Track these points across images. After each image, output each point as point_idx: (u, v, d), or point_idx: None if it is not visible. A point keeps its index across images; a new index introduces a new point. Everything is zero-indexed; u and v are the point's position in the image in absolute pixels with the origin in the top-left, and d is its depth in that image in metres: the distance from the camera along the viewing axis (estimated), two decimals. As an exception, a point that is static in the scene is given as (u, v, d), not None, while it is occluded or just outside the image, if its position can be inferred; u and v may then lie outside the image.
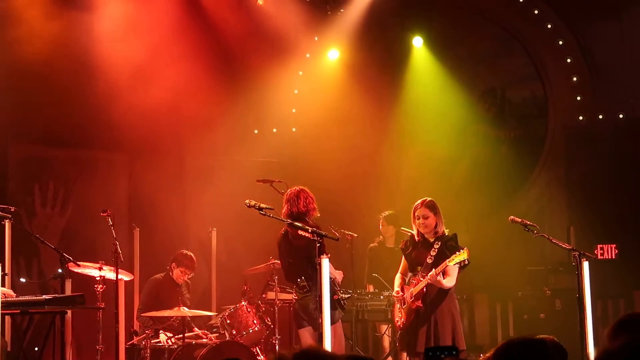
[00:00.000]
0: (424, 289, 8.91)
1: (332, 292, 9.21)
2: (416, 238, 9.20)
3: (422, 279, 8.91)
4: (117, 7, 12.18)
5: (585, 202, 13.71)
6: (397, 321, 9.19)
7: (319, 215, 9.48)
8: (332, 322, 9.18)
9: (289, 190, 9.63)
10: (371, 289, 11.76)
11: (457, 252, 8.80)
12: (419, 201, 9.15)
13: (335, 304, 9.26)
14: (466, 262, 8.83)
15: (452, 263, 8.77)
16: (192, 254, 11.12)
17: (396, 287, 9.27)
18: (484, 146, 14.66)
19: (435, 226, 9.07)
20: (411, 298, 8.97)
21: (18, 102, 11.57)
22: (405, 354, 9.24)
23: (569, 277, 11.02)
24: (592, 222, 13.25)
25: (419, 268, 9.05)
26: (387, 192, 13.67)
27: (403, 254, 9.36)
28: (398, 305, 9.21)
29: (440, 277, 8.79)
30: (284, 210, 9.43)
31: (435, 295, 8.95)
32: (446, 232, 9.12)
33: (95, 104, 11.93)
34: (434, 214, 9.07)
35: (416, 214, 9.11)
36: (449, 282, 8.90)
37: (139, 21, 12.26)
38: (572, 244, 10.50)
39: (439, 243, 9.01)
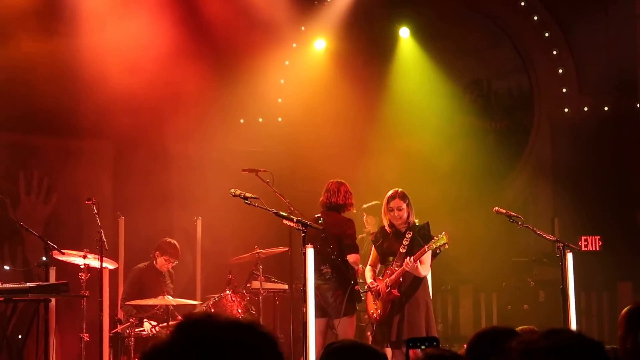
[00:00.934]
0: (400, 278, 8.94)
1: (354, 283, 9.29)
2: (387, 229, 9.22)
3: (396, 268, 8.93)
4: (103, -5, 12.15)
5: (569, 194, 13.75)
6: (373, 313, 9.21)
7: (355, 211, 9.53)
8: (350, 314, 9.30)
9: (330, 181, 9.76)
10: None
11: (437, 237, 8.81)
12: (391, 192, 9.17)
13: (355, 295, 9.37)
14: (446, 246, 8.86)
15: (432, 248, 8.79)
16: (175, 242, 11.11)
17: (369, 279, 9.29)
18: (469, 137, 14.68)
19: (408, 217, 9.11)
20: (387, 288, 8.98)
21: (3, 90, 11.52)
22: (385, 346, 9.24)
23: (553, 268, 11.06)
24: (577, 213, 13.31)
25: (391, 259, 9.08)
26: (373, 183, 13.66)
27: (373, 245, 9.41)
28: (372, 298, 9.23)
29: (418, 264, 8.81)
30: (322, 199, 9.66)
31: (409, 285, 8.99)
32: (416, 221, 9.14)
33: (81, 93, 11.89)
34: (407, 204, 9.11)
35: (390, 206, 9.13)
36: (424, 270, 8.95)
37: (125, 8, 12.22)
38: (557, 236, 10.53)
39: (411, 232, 9.04)
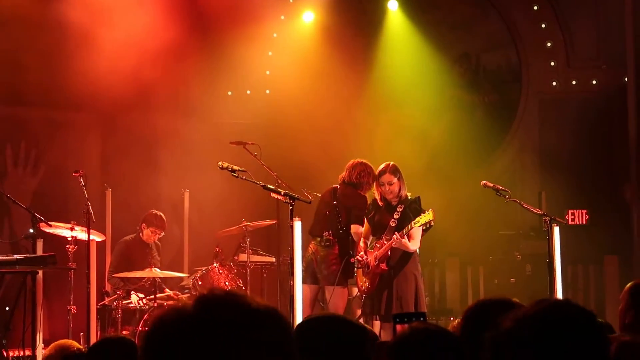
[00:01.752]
0: (388, 252, 8.96)
1: (351, 255, 9.42)
2: (379, 202, 9.24)
3: (385, 242, 8.95)
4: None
5: (557, 167, 13.77)
6: (362, 286, 9.25)
7: (374, 191, 9.59)
8: (342, 285, 9.50)
9: (353, 159, 9.92)
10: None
11: (422, 214, 8.83)
12: (382, 166, 9.18)
13: (349, 267, 9.49)
14: (431, 224, 8.88)
15: (418, 225, 8.80)
16: (161, 214, 11.11)
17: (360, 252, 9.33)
18: (458, 111, 14.67)
19: (399, 190, 9.11)
20: (375, 262, 9.01)
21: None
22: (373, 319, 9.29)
23: (539, 242, 11.08)
24: (564, 187, 13.32)
25: (382, 232, 9.10)
26: (362, 155, 13.64)
27: (366, 217, 9.42)
28: (361, 270, 9.27)
29: (405, 240, 8.83)
30: (342, 174, 9.84)
31: (398, 259, 9.01)
32: (409, 195, 9.15)
33: (69, 65, 11.84)
34: (398, 178, 9.11)
35: (381, 180, 9.14)
36: (413, 245, 8.95)
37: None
38: (544, 209, 10.56)
39: (402, 206, 9.05)
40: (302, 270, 9.09)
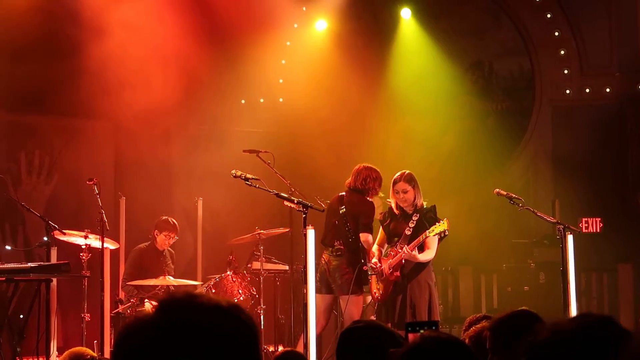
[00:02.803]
0: (403, 261, 8.96)
1: (364, 263, 9.45)
2: (395, 210, 9.24)
3: (400, 250, 8.95)
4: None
5: (570, 175, 13.74)
6: (375, 293, 9.24)
7: (381, 195, 9.57)
8: (357, 294, 9.48)
9: (359, 164, 9.85)
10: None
11: (437, 223, 8.83)
12: (397, 175, 9.18)
13: (362, 275, 9.50)
14: (446, 233, 8.88)
15: (432, 234, 8.81)
16: (171, 219, 11.13)
17: (374, 259, 9.32)
18: (470, 118, 14.66)
19: (414, 199, 9.11)
20: (389, 269, 9.01)
21: (4, 69, 11.52)
22: None
23: (553, 250, 11.07)
24: (577, 195, 13.30)
25: (397, 239, 9.09)
26: (374, 163, 13.64)
27: (381, 225, 9.43)
28: (375, 278, 9.27)
29: (415, 252, 8.84)
30: (348, 180, 9.75)
31: (412, 267, 9.01)
32: (424, 204, 9.16)
33: (82, 73, 11.87)
34: (413, 187, 9.10)
35: (395, 188, 9.15)
36: (428, 254, 8.96)
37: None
38: (557, 217, 10.53)
39: (418, 215, 9.05)
40: (317, 280, 9.12)
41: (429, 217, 9.03)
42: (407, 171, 9.21)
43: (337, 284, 9.51)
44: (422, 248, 8.95)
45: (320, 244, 9.64)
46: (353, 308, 9.45)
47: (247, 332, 2.16)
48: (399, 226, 9.15)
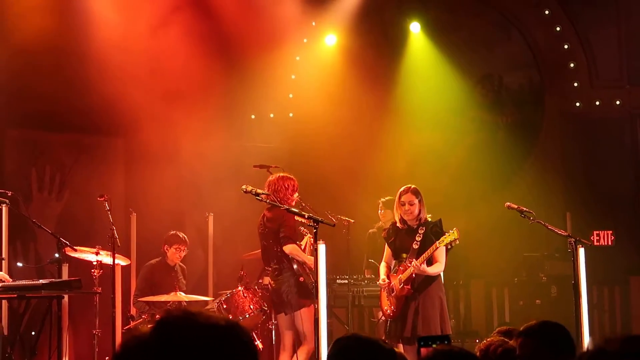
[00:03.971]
0: (413, 275, 8.95)
1: (298, 275, 9.37)
2: (399, 225, 9.23)
3: (409, 265, 8.94)
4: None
5: (581, 188, 13.72)
6: (387, 310, 9.21)
7: (293, 204, 9.50)
8: (305, 306, 9.37)
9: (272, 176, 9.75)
10: (369, 274, 11.77)
11: (447, 233, 8.83)
12: (404, 187, 9.20)
13: (302, 288, 9.44)
14: (456, 242, 8.86)
15: (443, 244, 8.81)
16: (179, 233, 11.17)
17: (382, 276, 9.30)
18: (480, 132, 14.65)
19: (419, 212, 9.12)
20: (400, 284, 9.00)
21: (15, 86, 11.56)
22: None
23: (564, 263, 11.03)
24: (589, 208, 13.27)
25: (404, 255, 9.08)
26: (385, 177, 13.66)
27: (386, 242, 9.40)
28: (385, 294, 9.24)
29: (424, 266, 8.83)
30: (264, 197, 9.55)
31: (423, 281, 9.01)
32: (429, 218, 9.16)
33: (92, 89, 11.90)
34: (418, 200, 9.12)
35: (401, 200, 9.16)
36: (437, 267, 8.97)
37: (137, 5, 12.24)
38: (569, 230, 10.51)
39: (424, 228, 9.06)
40: (276, 299, 9.43)
41: (435, 231, 9.03)
42: (413, 185, 9.23)
43: (284, 303, 9.51)
44: (430, 262, 8.94)
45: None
46: (307, 323, 9.38)
47: (245, 352, 2.15)
48: (405, 241, 9.14)
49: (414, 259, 8.87)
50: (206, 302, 11.10)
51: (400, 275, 9.02)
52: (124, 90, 11.82)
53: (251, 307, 10.42)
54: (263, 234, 9.75)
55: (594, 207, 13.37)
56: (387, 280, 9.18)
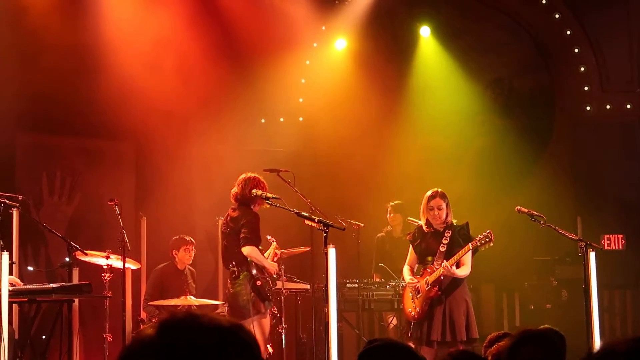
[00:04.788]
0: (441, 277, 8.95)
1: (256, 279, 9.25)
2: (425, 229, 9.22)
3: (437, 267, 8.94)
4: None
5: (592, 192, 13.69)
6: (411, 312, 9.16)
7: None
8: (260, 313, 9.25)
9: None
10: (377, 278, 11.76)
11: (482, 235, 8.82)
12: (431, 192, 9.18)
13: (259, 292, 9.30)
14: (490, 244, 8.87)
15: (479, 244, 8.84)
16: (186, 235, 11.21)
17: (408, 278, 9.27)
18: (491, 136, 14.63)
19: (446, 216, 9.12)
20: (427, 286, 8.98)
21: (26, 91, 11.58)
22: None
23: (575, 267, 11.01)
24: (599, 212, 13.24)
25: (430, 258, 9.08)
26: (395, 181, 13.66)
27: (411, 245, 9.38)
28: (411, 295, 9.21)
29: (454, 268, 8.84)
30: (235, 191, 9.60)
31: (449, 283, 9.01)
32: (454, 221, 9.15)
33: (103, 93, 11.93)
34: (446, 204, 9.14)
35: (430, 204, 9.13)
36: (464, 270, 9.00)
37: (147, 10, 12.27)
38: (579, 234, 10.49)
39: (450, 231, 9.06)
40: (235, 307, 9.18)
41: (462, 234, 9.04)
42: (440, 189, 9.21)
43: (239, 308, 9.32)
44: (457, 265, 8.96)
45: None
46: (257, 329, 9.19)
47: (247, 354, 2.14)
48: (431, 244, 9.14)
49: (443, 260, 8.87)
50: (216, 306, 11.11)
51: (427, 277, 9.01)
52: (134, 95, 11.85)
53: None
54: (224, 233, 9.62)
55: (604, 210, 13.34)
56: (414, 280, 9.15)
